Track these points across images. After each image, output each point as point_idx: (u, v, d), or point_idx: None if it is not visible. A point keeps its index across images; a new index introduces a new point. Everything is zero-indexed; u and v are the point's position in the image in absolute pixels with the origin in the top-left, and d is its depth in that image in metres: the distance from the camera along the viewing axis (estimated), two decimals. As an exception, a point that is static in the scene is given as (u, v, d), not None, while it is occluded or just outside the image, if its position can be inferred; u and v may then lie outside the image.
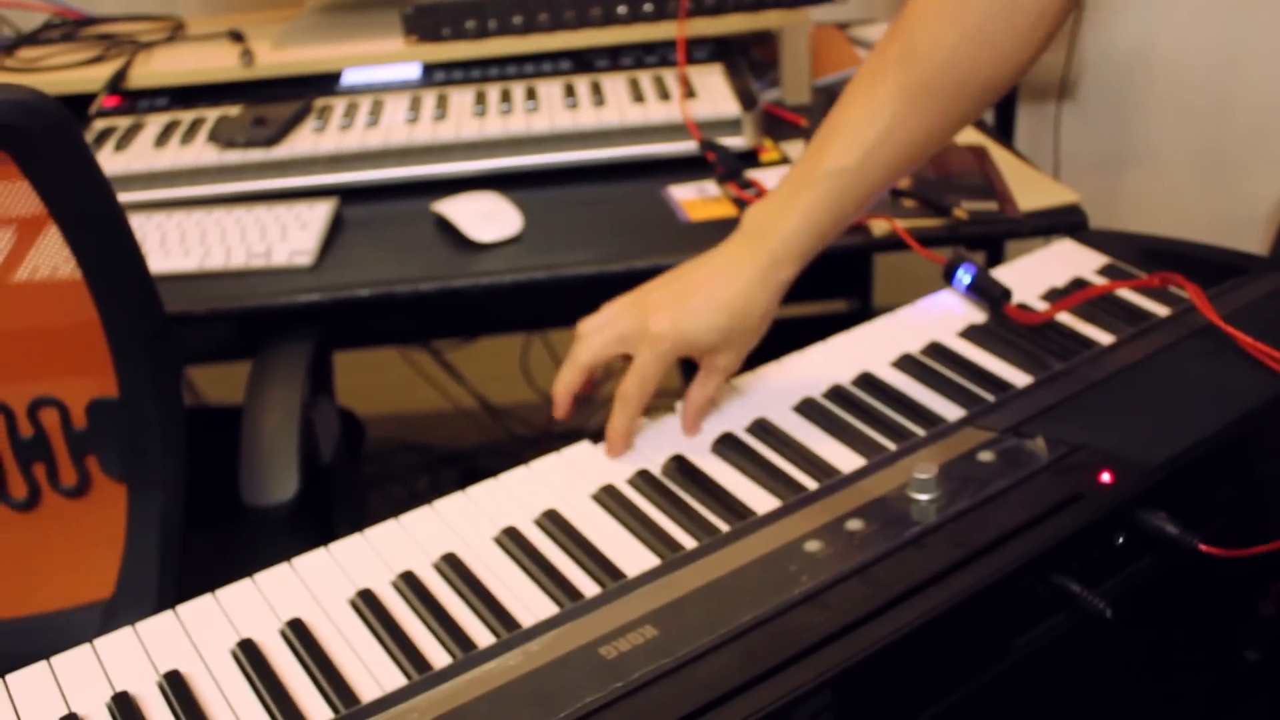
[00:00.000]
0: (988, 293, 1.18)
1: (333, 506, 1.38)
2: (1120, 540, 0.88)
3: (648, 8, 1.65)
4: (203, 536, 1.32)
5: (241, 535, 1.28)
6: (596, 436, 1.04)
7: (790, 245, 1.02)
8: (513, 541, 0.92)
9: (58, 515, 1.18)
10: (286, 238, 1.39)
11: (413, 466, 2.36)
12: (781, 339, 1.15)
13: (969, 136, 1.57)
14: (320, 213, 1.43)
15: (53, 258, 1.08)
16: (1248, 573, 0.92)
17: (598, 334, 1.04)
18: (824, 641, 0.75)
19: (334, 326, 1.45)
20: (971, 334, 1.14)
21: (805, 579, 0.80)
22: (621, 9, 1.65)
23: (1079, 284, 1.21)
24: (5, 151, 0.98)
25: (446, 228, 1.41)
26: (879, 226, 1.34)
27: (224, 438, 1.31)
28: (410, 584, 0.89)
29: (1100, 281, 1.22)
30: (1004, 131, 1.99)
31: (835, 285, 2.08)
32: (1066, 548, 0.84)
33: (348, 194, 1.50)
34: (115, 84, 1.66)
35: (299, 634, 0.85)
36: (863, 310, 2.07)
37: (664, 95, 1.57)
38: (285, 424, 1.25)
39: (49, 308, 1.12)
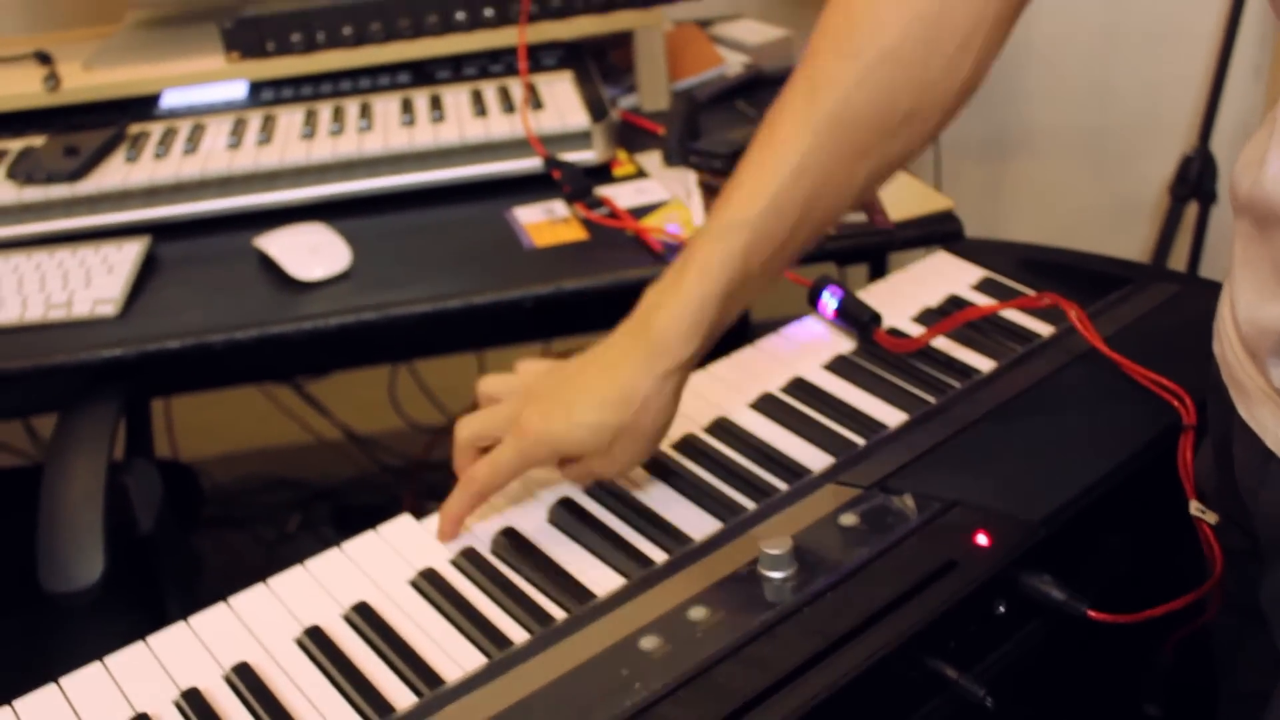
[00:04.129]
0: (856, 317, 1.08)
1: (158, 578, 1.25)
2: (1001, 609, 0.78)
3: (488, 13, 1.53)
4: (2, 624, 1.18)
5: (48, 625, 1.15)
6: (418, 511, 0.92)
7: (677, 326, 0.85)
8: (316, 644, 0.80)
9: None
10: (90, 284, 1.25)
11: (282, 505, 2.22)
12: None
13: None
14: (129, 254, 1.29)
15: None
16: (1143, 626, 0.83)
17: (476, 419, 0.91)
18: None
19: (159, 376, 1.32)
20: (838, 366, 1.04)
21: (639, 686, 0.69)
22: (460, 15, 1.53)
23: (955, 302, 1.11)
24: None
25: (269, 265, 1.28)
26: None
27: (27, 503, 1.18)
28: (192, 702, 0.76)
29: (977, 298, 1.12)
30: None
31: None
32: (941, 625, 0.74)
33: (163, 230, 1.36)
34: (-96, 116, 1.51)
35: None
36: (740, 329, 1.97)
37: (508, 107, 1.45)
38: (87, 496, 1.12)
39: None
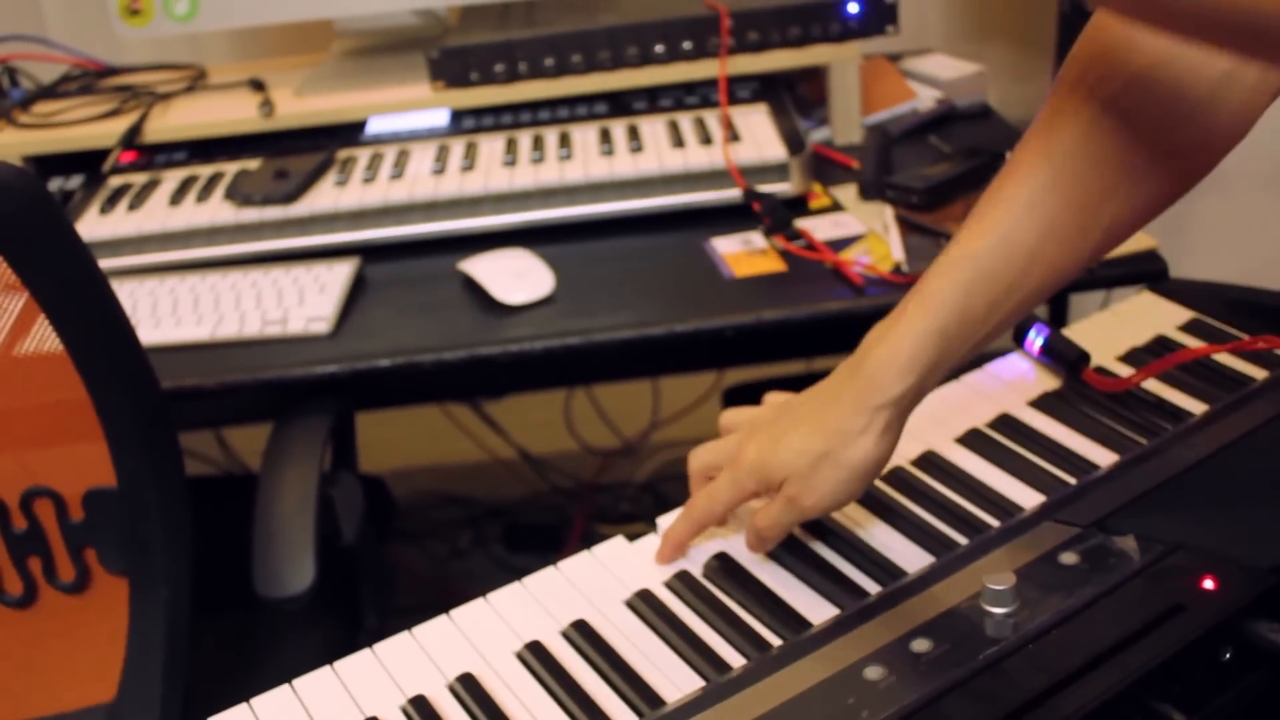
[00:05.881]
0: (1063, 356, 1.07)
1: (358, 590, 1.29)
2: (1227, 656, 0.77)
3: (686, 46, 1.56)
4: (214, 627, 1.23)
5: (256, 627, 1.20)
6: (631, 534, 0.93)
7: (891, 361, 0.82)
8: (536, 658, 0.82)
9: (55, 613, 1.10)
10: (304, 303, 1.30)
11: (454, 521, 2.27)
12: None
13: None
14: (340, 275, 1.34)
15: (39, 338, 0.99)
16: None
17: (705, 449, 0.92)
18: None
19: (358, 392, 1.37)
20: (1045, 403, 1.04)
21: (866, 715, 0.70)
22: (659, 48, 1.56)
23: (1162, 343, 1.10)
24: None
25: (474, 288, 1.32)
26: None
27: (241, 509, 1.23)
28: (419, 709, 0.79)
29: (1185, 339, 1.11)
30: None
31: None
32: (1168, 669, 0.73)
33: (370, 251, 1.41)
34: (130, 139, 1.59)
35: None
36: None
37: (705, 139, 1.47)
38: (300, 507, 1.17)
39: (38, 391, 1.04)
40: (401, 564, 2.16)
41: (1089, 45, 0.82)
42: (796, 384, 1.56)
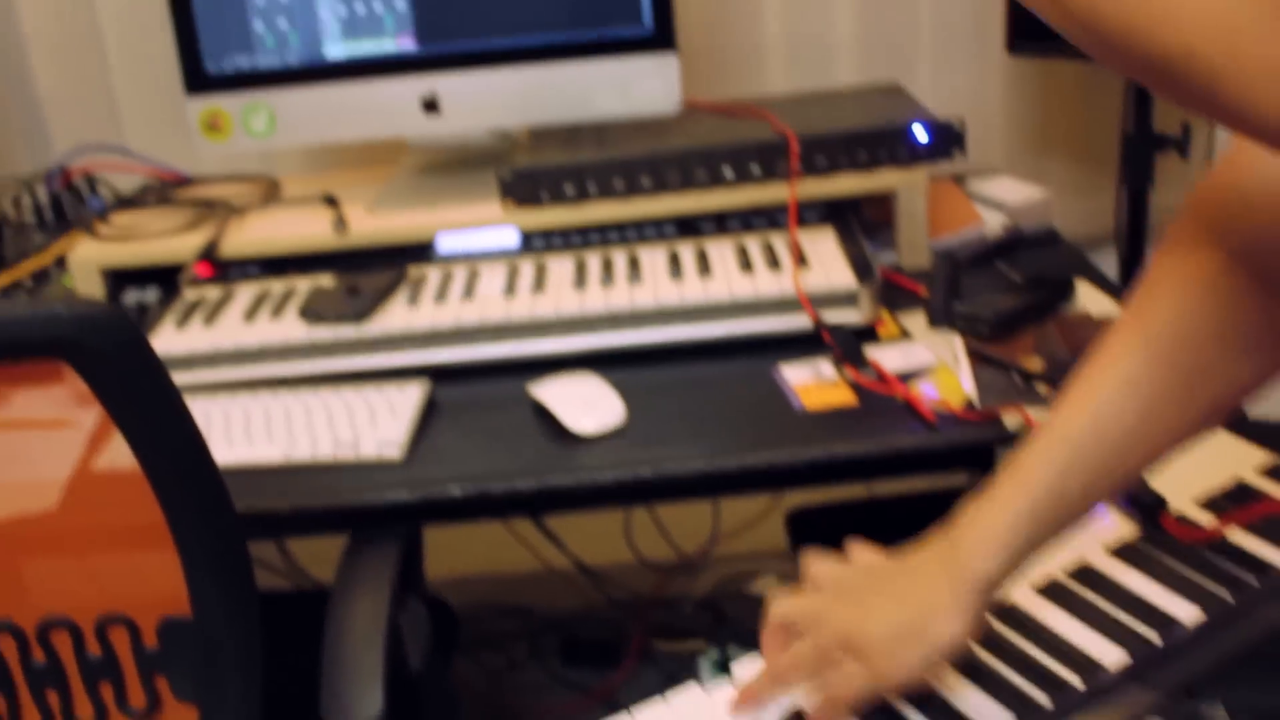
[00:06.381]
0: (1139, 500, 1.06)
1: (423, 716, 1.29)
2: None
3: (755, 169, 1.57)
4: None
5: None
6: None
7: (982, 540, 0.82)
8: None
9: (125, 740, 1.10)
10: (375, 425, 1.31)
11: (510, 633, 2.26)
12: (892, 521, 1.03)
13: (1101, 309, 1.46)
14: (411, 397, 1.35)
15: (120, 469, 1.00)
16: None
17: (789, 603, 0.90)
18: None
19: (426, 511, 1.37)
20: (1125, 553, 1.02)
21: None
22: (728, 171, 1.57)
23: (1242, 489, 1.09)
24: (68, 364, 0.91)
25: (544, 414, 1.32)
26: (1011, 418, 1.23)
27: (310, 626, 1.23)
28: None
29: (1265, 485, 1.09)
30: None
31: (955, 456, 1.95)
32: None
33: (440, 372, 1.42)
34: (207, 253, 1.61)
35: None
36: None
37: (774, 264, 1.48)
38: (370, 637, 1.16)
39: (113, 511, 1.05)
40: (456, 675, 2.15)
41: (1194, 203, 0.81)
42: (860, 510, 1.55)
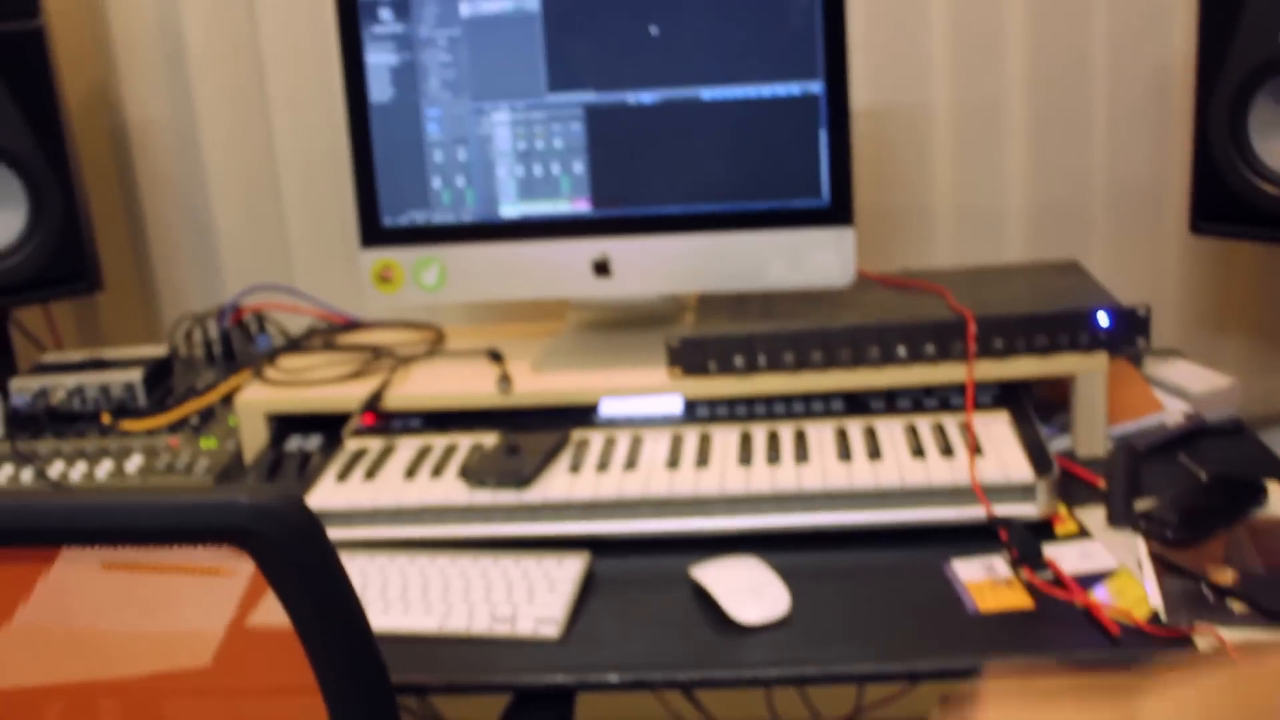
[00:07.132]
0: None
1: None
2: None
3: (929, 349, 1.54)
4: None
5: None
6: None
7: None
8: None
9: None
10: (533, 600, 1.29)
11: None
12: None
13: (1297, 513, 1.38)
14: (570, 571, 1.33)
15: (294, 676, 0.99)
16: None
17: None
18: None
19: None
20: None
21: None
22: (901, 349, 1.54)
23: None
24: (246, 552, 0.91)
25: (704, 598, 1.28)
26: (1203, 639, 1.16)
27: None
28: None
29: None
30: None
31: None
32: None
33: (599, 543, 1.40)
34: (371, 404, 1.62)
35: None
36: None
37: (946, 449, 1.43)
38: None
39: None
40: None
41: None
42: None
